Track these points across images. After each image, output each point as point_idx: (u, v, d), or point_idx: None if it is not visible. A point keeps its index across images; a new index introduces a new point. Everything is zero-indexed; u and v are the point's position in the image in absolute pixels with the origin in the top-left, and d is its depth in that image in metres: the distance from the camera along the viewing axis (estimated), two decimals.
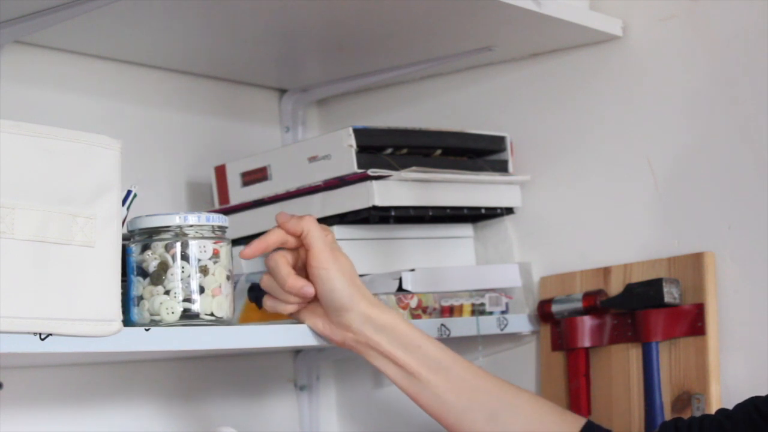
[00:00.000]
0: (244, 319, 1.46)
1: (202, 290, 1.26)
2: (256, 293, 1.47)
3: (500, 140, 1.74)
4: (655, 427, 1.47)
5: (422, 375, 1.33)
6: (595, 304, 1.64)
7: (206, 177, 1.76)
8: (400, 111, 1.89)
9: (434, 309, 1.60)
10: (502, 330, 1.66)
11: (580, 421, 1.33)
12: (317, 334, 1.37)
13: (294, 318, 1.38)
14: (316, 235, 1.33)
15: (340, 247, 1.38)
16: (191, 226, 1.27)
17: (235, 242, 1.55)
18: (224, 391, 1.77)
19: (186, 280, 1.26)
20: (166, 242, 1.26)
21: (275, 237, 1.33)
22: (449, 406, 1.33)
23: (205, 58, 1.73)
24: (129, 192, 1.26)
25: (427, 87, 1.87)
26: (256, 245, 1.32)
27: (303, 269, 1.36)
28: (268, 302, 1.36)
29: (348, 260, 1.35)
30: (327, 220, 1.60)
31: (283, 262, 1.33)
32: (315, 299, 1.36)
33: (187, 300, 1.26)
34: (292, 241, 1.35)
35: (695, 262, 1.59)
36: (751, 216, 1.57)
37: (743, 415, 1.24)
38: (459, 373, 1.34)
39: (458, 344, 1.71)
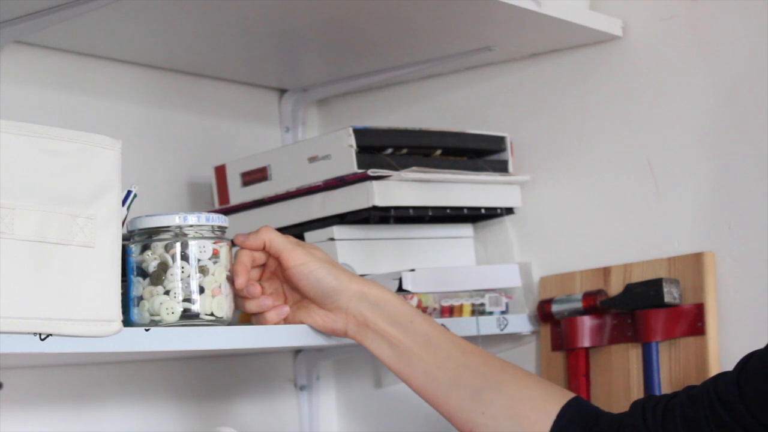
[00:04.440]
0: (244, 319, 1.46)
1: (201, 290, 1.26)
2: None
3: (500, 140, 1.74)
4: None
5: (413, 351, 1.34)
6: (595, 304, 1.64)
7: (206, 177, 1.76)
8: (400, 111, 1.89)
9: (434, 309, 1.60)
10: (502, 330, 1.66)
11: (564, 398, 1.32)
12: (319, 331, 1.37)
13: (292, 322, 1.38)
14: (278, 240, 1.35)
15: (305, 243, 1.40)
16: (191, 226, 1.27)
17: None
18: (224, 391, 1.77)
19: (186, 281, 1.26)
20: (166, 242, 1.26)
21: (246, 257, 1.35)
22: (438, 383, 1.34)
23: (204, 58, 1.73)
24: (129, 192, 1.26)
25: (427, 87, 1.87)
26: (240, 272, 1.33)
27: (274, 277, 1.38)
28: (253, 320, 1.38)
29: (320, 250, 1.38)
30: (327, 220, 1.60)
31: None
32: (307, 299, 1.37)
33: (187, 300, 1.26)
34: (258, 257, 1.37)
35: (695, 262, 1.59)
36: (751, 216, 1.57)
37: (704, 396, 1.24)
38: (448, 349, 1.35)
39: None
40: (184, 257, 1.26)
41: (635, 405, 1.30)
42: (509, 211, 1.74)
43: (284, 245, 1.35)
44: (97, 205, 1.14)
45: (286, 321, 1.38)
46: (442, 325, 1.52)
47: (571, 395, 1.33)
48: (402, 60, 1.78)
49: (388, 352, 1.36)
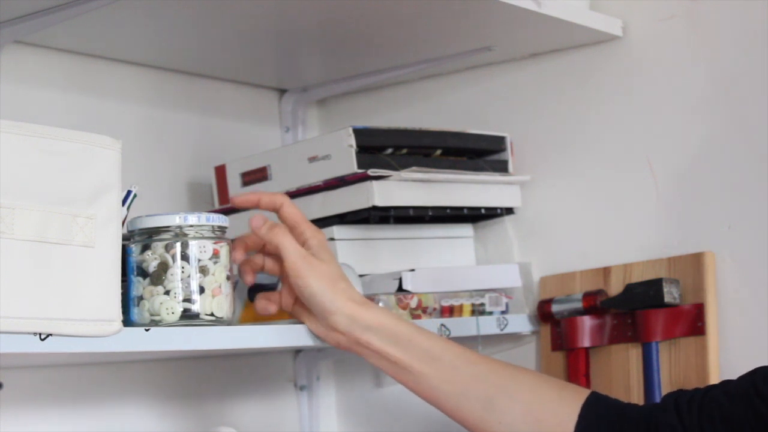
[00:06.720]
0: (244, 319, 1.46)
1: (202, 290, 1.26)
2: (256, 293, 1.47)
3: (500, 140, 1.74)
4: None
5: (415, 368, 1.33)
6: (595, 304, 1.64)
7: (206, 177, 1.76)
8: (400, 111, 1.89)
9: (434, 309, 1.60)
10: (502, 330, 1.66)
11: (582, 396, 1.31)
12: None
13: (294, 316, 1.38)
14: (288, 248, 1.34)
15: (327, 249, 1.37)
16: (191, 226, 1.27)
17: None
18: (224, 391, 1.77)
19: (186, 280, 1.26)
20: (166, 242, 1.26)
21: (248, 239, 1.38)
22: (446, 396, 1.33)
23: (205, 58, 1.73)
24: (129, 192, 1.26)
25: (427, 87, 1.87)
26: (237, 246, 1.36)
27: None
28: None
29: (327, 265, 1.35)
30: (327, 220, 1.60)
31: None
32: None
33: (187, 300, 1.26)
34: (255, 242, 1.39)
35: (695, 262, 1.59)
36: (751, 216, 1.57)
37: (742, 393, 1.22)
38: (452, 362, 1.33)
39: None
40: (185, 257, 1.26)
41: (667, 401, 1.27)
42: (509, 211, 1.74)
43: (289, 256, 1.33)
44: (97, 204, 1.14)
45: (289, 315, 1.37)
46: (443, 325, 1.53)
47: (586, 392, 1.31)
48: (402, 60, 1.78)
49: (388, 368, 1.35)
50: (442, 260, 1.72)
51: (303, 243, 1.37)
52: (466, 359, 1.34)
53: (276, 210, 1.39)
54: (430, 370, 1.33)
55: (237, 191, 1.69)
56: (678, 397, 1.27)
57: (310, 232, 1.37)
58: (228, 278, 1.30)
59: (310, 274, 1.33)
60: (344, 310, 1.33)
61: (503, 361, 1.37)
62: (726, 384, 1.25)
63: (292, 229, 1.37)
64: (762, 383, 1.20)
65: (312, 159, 1.62)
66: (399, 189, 1.59)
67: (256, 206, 1.40)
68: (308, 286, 1.33)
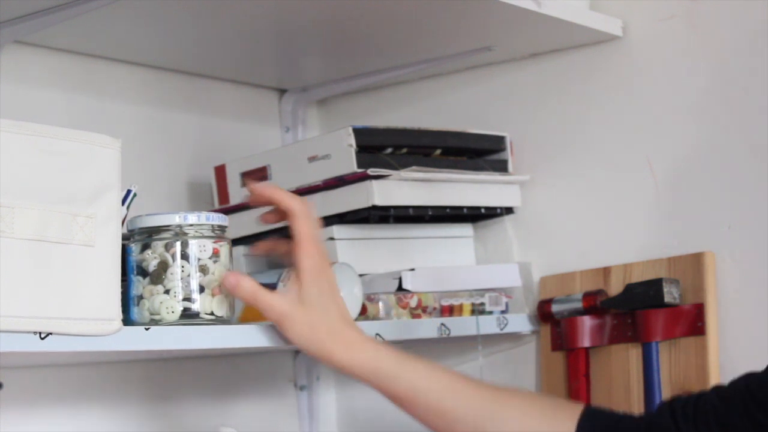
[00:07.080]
0: (244, 319, 1.46)
1: (201, 289, 1.26)
2: None
3: (500, 140, 1.74)
4: None
5: (402, 400, 1.32)
6: (595, 304, 1.64)
7: (206, 177, 1.76)
8: (400, 111, 1.89)
9: (434, 309, 1.60)
10: (501, 330, 1.66)
11: (577, 411, 1.30)
12: None
13: None
14: (266, 311, 1.30)
15: (317, 279, 1.31)
16: (191, 225, 1.27)
17: (235, 242, 1.55)
18: (224, 391, 1.77)
19: (186, 280, 1.26)
20: (166, 241, 1.26)
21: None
22: (436, 425, 1.32)
23: (204, 58, 1.73)
24: (129, 192, 1.26)
25: (427, 87, 1.87)
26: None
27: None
28: None
29: (308, 311, 1.30)
30: (327, 220, 1.60)
31: None
32: None
33: (187, 299, 1.26)
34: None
35: (695, 262, 1.59)
36: (751, 216, 1.57)
37: (736, 397, 1.22)
38: (439, 393, 1.31)
39: (458, 344, 1.71)
40: (185, 256, 1.26)
41: (662, 407, 1.28)
42: (509, 210, 1.74)
43: (269, 315, 1.30)
44: (97, 204, 1.14)
45: None
46: (443, 324, 1.53)
47: (581, 407, 1.31)
48: (402, 60, 1.78)
49: (379, 393, 1.33)
50: (441, 260, 1.72)
51: (297, 263, 1.31)
52: (452, 390, 1.32)
53: (288, 219, 1.32)
54: (418, 404, 1.32)
55: (237, 191, 1.69)
56: (672, 403, 1.28)
57: (307, 257, 1.31)
58: None
59: (289, 331, 1.30)
60: (326, 360, 1.31)
61: (493, 385, 1.35)
62: (718, 388, 1.26)
63: (295, 245, 1.32)
64: (758, 391, 1.20)
65: (312, 159, 1.62)
66: (399, 188, 1.59)
67: (270, 205, 1.34)
68: (290, 340, 1.31)
